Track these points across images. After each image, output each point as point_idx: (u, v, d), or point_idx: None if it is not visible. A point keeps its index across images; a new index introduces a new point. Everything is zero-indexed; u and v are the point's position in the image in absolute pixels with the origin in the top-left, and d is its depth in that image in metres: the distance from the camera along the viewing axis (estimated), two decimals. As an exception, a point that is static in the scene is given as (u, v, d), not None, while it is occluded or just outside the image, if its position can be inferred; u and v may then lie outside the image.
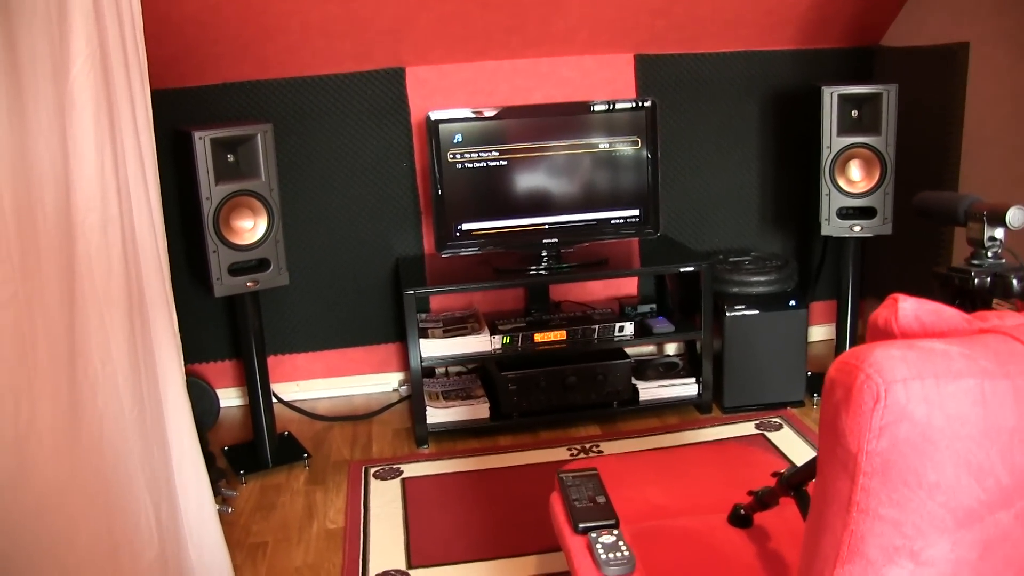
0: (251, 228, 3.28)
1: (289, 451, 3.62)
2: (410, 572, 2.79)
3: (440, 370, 4.12)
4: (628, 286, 4.35)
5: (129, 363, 2.12)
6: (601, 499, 2.05)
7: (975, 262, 1.63)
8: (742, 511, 2.07)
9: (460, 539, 2.97)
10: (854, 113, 3.60)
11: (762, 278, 3.79)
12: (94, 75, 2.01)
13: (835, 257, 3.91)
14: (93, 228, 2.02)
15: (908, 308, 1.10)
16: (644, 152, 3.75)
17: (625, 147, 3.75)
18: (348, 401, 4.20)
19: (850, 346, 3.82)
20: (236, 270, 3.27)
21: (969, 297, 1.60)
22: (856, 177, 3.62)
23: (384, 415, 4.02)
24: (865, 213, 3.64)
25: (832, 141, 3.58)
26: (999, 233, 1.60)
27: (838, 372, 1.04)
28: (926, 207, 1.83)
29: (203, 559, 2.44)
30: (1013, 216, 1.61)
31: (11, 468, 1.83)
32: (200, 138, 3.11)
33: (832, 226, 3.66)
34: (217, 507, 2.62)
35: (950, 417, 0.98)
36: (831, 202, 3.63)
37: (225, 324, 4.05)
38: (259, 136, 3.22)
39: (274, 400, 3.70)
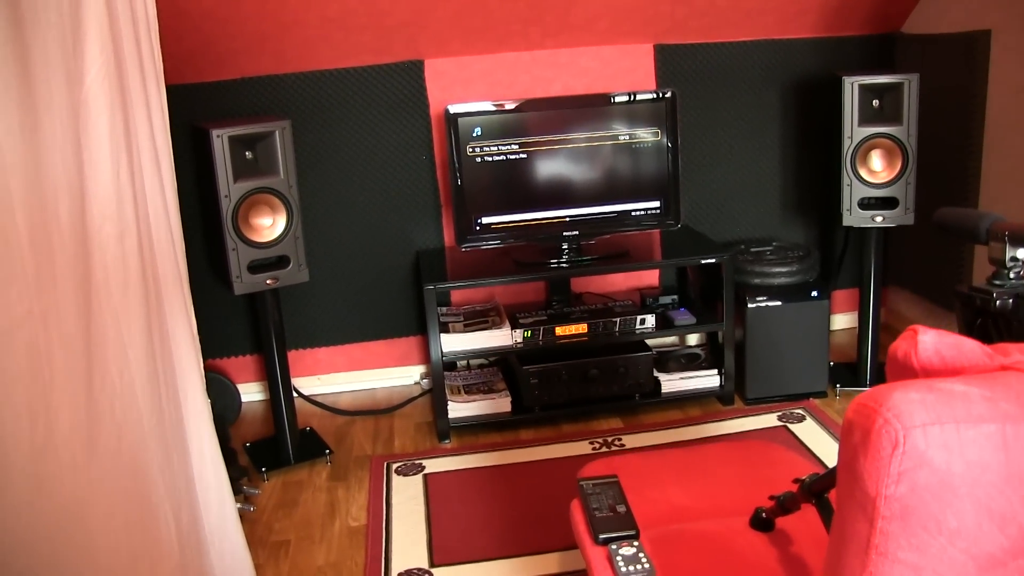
0: (270, 225, 3.27)
1: (311, 447, 3.63)
2: (432, 571, 2.80)
3: (461, 363, 4.11)
4: (649, 277, 4.32)
5: (147, 371, 2.11)
6: (621, 508, 2.03)
7: (997, 282, 1.59)
8: (764, 515, 2.05)
9: (482, 536, 2.97)
10: (875, 103, 3.55)
11: (784, 269, 3.75)
12: (109, 82, 1.98)
13: (857, 247, 3.86)
14: (109, 238, 2.00)
15: (928, 342, 1.08)
16: (664, 143, 3.72)
17: (645, 138, 3.72)
18: (370, 395, 4.20)
19: (872, 335, 3.81)
20: (255, 267, 3.27)
21: (991, 318, 1.57)
22: (878, 167, 3.58)
23: (406, 408, 4.02)
24: (887, 203, 3.59)
25: (853, 131, 3.53)
26: (1021, 254, 1.57)
27: (856, 414, 1.02)
28: (946, 224, 1.80)
29: (225, 563, 2.45)
30: (1035, 236, 1.58)
31: (29, 482, 1.83)
32: (218, 136, 3.10)
33: (854, 216, 3.62)
34: (239, 506, 2.63)
35: (970, 463, 0.96)
36: (852, 192, 3.58)
37: (245, 319, 4.06)
38: (277, 133, 3.21)
39: (295, 395, 3.70)
